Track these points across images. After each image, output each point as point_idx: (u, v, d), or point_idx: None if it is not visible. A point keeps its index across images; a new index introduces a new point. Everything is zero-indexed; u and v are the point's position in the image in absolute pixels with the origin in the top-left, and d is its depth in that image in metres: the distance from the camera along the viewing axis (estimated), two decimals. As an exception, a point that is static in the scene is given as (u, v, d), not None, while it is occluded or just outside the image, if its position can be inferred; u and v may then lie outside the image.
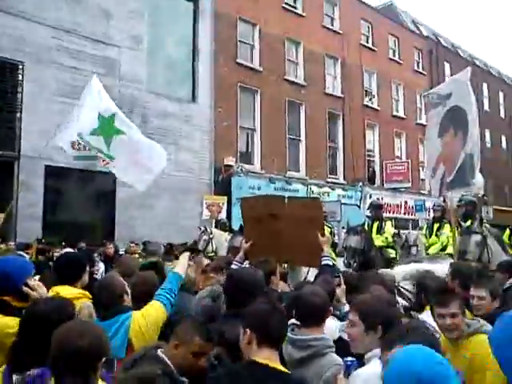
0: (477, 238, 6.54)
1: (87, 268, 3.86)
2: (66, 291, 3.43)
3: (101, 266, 8.60)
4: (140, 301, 3.41)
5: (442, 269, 5.07)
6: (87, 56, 13.36)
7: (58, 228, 11.52)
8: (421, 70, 26.66)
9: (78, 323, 2.23)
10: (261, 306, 2.50)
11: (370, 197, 20.61)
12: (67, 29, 13.05)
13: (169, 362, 2.45)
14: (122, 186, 13.35)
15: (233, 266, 4.57)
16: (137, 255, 9.05)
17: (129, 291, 3.42)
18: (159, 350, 2.53)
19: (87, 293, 3.58)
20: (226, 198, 14.45)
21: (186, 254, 3.97)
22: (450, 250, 7.40)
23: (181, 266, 3.77)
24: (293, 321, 3.03)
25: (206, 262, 5.42)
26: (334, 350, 2.76)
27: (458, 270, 4.59)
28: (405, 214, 23.59)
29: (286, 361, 2.69)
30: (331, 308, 3.16)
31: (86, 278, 3.78)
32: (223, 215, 13.57)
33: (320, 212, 5.18)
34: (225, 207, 13.95)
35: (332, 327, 3.08)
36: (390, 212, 21.90)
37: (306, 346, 2.71)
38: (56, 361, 1.96)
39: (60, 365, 1.95)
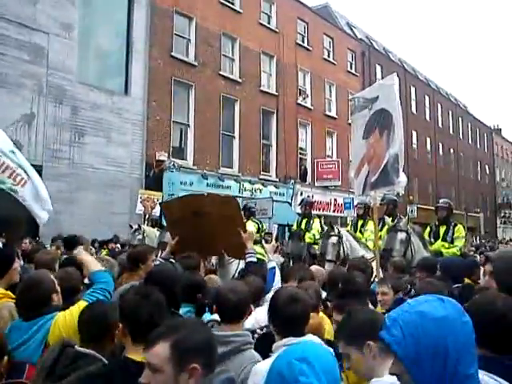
0: (402, 235, 7.05)
1: (14, 265, 3.63)
2: None
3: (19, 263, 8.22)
4: (67, 297, 3.27)
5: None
6: (11, 40, 12.67)
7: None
8: (353, 71, 27.43)
9: None
10: (130, 297, 2.35)
11: (302, 194, 21.04)
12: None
13: (99, 355, 2.34)
14: (48, 179, 12.89)
15: (157, 263, 4.54)
16: (59, 252, 8.71)
17: (59, 290, 3.22)
18: (77, 347, 2.39)
19: (9, 292, 3.40)
20: (161, 194, 14.27)
21: (82, 250, 3.83)
22: (371, 245, 7.80)
23: (94, 263, 3.57)
24: (214, 317, 3.01)
25: None
26: (253, 346, 2.80)
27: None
28: (334, 211, 24.28)
29: None
30: (252, 306, 3.19)
31: (12, 275, 3.59)
32: (157, 211, 13.39)
33: (237, 211, 5.41)
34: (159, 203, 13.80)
35: (263, 316, 3.09)
36: (320, 209, 22.45)
37: (227, 342, 2.69)
38: None
39: None
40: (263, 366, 2.21)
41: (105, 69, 15.42)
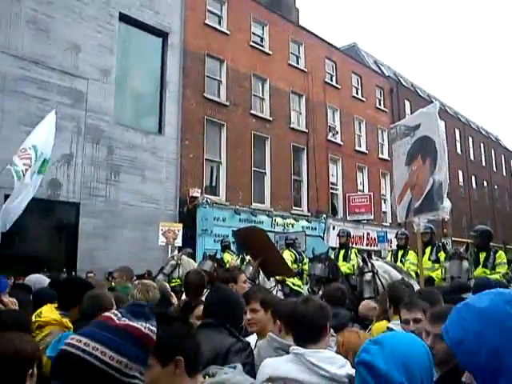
0: (466, 264, 6.91)
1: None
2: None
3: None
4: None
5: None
6: (54, 87, 13.44)
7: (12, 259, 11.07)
8: (382, 107, 27.65)
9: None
10: None
11: (334, 228, 21.02)
12: (35, 60, 13.15)
13: None
14: (85, 216, 13.37)
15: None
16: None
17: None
18: None
19: (65, 321, 3.52)
20: (181, 224, 14.13)
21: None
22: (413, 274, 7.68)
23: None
24: None
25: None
26: None
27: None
28: (367, 245, 24.02)
29: None
30: None
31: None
32: (179, 242, 13.34)
33: (265, 236, 6.51)
34: (180, 234, 13.71)
35: None
36: (353, 243, 22.25)
37: None
38: None
39: None
40: None
41: (140, 110, 16.10)
